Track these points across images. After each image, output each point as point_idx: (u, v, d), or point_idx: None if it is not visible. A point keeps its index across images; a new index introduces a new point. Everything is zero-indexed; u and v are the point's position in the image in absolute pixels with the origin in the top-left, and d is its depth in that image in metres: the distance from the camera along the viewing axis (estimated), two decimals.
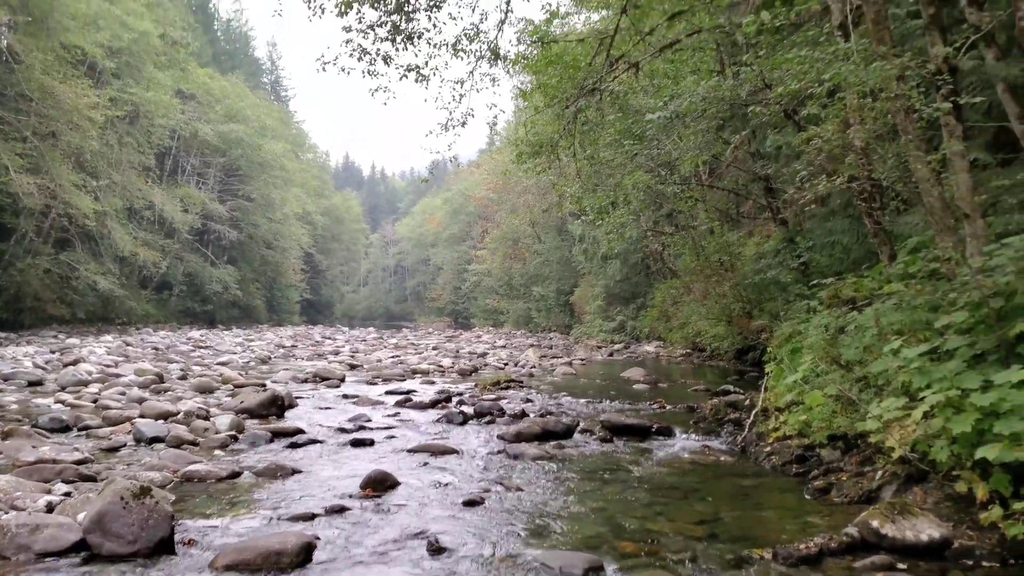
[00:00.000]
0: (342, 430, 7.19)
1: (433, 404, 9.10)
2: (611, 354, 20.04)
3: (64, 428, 6.90)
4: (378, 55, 9.75)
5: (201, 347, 20.97)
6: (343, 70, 9.89)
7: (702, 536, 3.81)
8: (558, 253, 34.26)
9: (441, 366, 14.97)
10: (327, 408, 8.94)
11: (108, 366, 12.90)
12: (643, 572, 3.31)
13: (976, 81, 7.41)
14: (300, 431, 6.97)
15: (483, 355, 19.07)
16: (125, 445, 6.28)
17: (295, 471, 5.33)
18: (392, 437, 6.89)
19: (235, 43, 61.56)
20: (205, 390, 10.16)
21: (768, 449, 5.81)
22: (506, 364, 16.16)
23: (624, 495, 4.74)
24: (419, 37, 9.83)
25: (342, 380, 12.15)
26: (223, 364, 15.02)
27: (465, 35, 10.38)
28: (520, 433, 6.71)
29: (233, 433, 6.75)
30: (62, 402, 8.53)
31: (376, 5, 9.44)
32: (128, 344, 20.04)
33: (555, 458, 5.95)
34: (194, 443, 6.36)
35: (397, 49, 9.82)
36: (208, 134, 37.98)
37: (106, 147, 28.62)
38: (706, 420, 7.66)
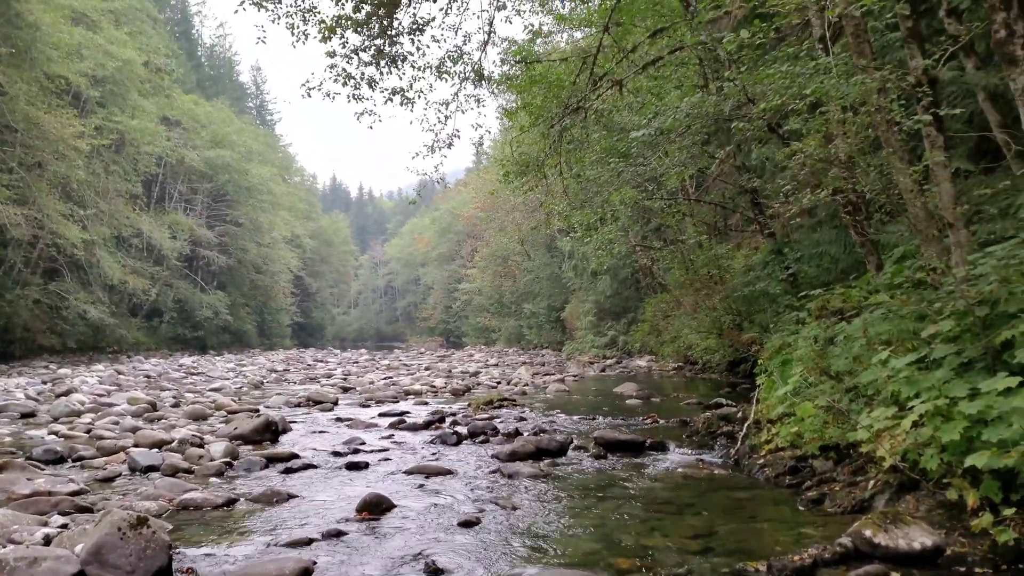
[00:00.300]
0: (336, 454, 7.17)
1: (427, 425, 9.09)
2: (603, 369, 20.06)
3: (59, 459, 6.85)
4: (363, 79, 9.83)
5: (193, 374, 20.85)
6: (328, 95, 9.97)
7: (697, 550, 3.83)
8: (548, 270, 34.36)
9: (434, 386, 14.94)
10: (321, 432, 8.90)
11: (101, 395, 12.81)
12: None
13: (957, 91, 7.54)
14: (295, 456, 6.95)
15: (475, 374, 19.05)
16: (120, 475, 6.24)
17: (291, 496, 5.32)
18: (387, 459, 6.88)
19: (219, 68, 61.75)
20: (198, 417, 10.11)
21: (761, 461, 5.84)
22: (499, 383, 16.15)
23: (619, 511, 4.76)
24: (403, 60, 9.94)
25: (335, 403, 12.11)
26: (216, 390, 14.94)
27: (449, 57, 10.49)
28: (514, 452, 6.71)
29: (228, 460, 6.72)
30: (56, 433, 8.46)
31: (359, 30, 9.53)
32: (120, 372, 19.89)
33: (550, 476, 5.95)
34: (189, 471, 6.33)
35: (381, 73, 9.91)
36: (195, 160, 37.98)
37: (92, 176, 28.56)
38: (699, 434, 7.69)
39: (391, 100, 10.25)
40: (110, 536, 3.51)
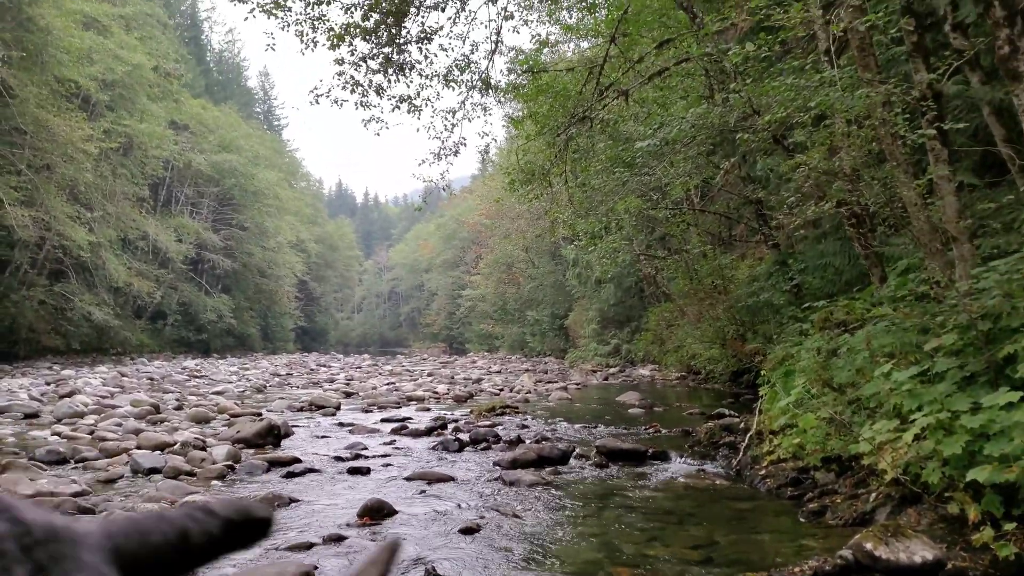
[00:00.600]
0: (338, 459, 7.18)
1: (429, 431, 9.10)
2: (606, 378, 20.04)
3: (61, 460, 6.88)
4: (370, 86, 9.91)
5: (196, 377, 20.89)
6: (336, 102, 10.04)
7: (698, 560, 3.83)
8: (552, 277, 34.36)
9: (436, 393, 14.95)
10: (323, 437, 8.92)
11: (104, 397, 12.84)
12: None
13: (961, 105, 7.55)
14: (297, 460, 6.97)
15: (478, 381, 19.05)
16: (123, 477, 6.27)
17: (292, 500, 5.33)
18: (388, 465, 6.89)
19: (228, 74, 62.11)
20: (201, 420, 10.13)
21: (763, 472, 5.84)
22: (501, 390, 16.15)
23: (620, 520, 4.76)
24: (411, 68, 10.02)
25: (338, 408, 12.12)
26: (219, 393, 14.97)
27: (456, 66, 10.57)
28: (516, 460, 6.71)
29: (230, 463, 6.74)
30: (59, 434, 8.49)
31: (368, 38, 9.62)
32: (123, 375, 19.95)
33: (551, 484, 5.96)
34: (191, 474, 6.35)
35: (389, 80, 9.99)
36: (202, 164, 38.17)
37: (100, 179, 28.75)
38: (701, 444, 7.67)
39: (398, 107, 10.33)
40: None
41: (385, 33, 9.63)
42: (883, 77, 6.34)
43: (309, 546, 4.14)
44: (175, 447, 7.50)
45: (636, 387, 16.10)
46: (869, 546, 3.49)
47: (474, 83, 10.79)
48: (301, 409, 12.04)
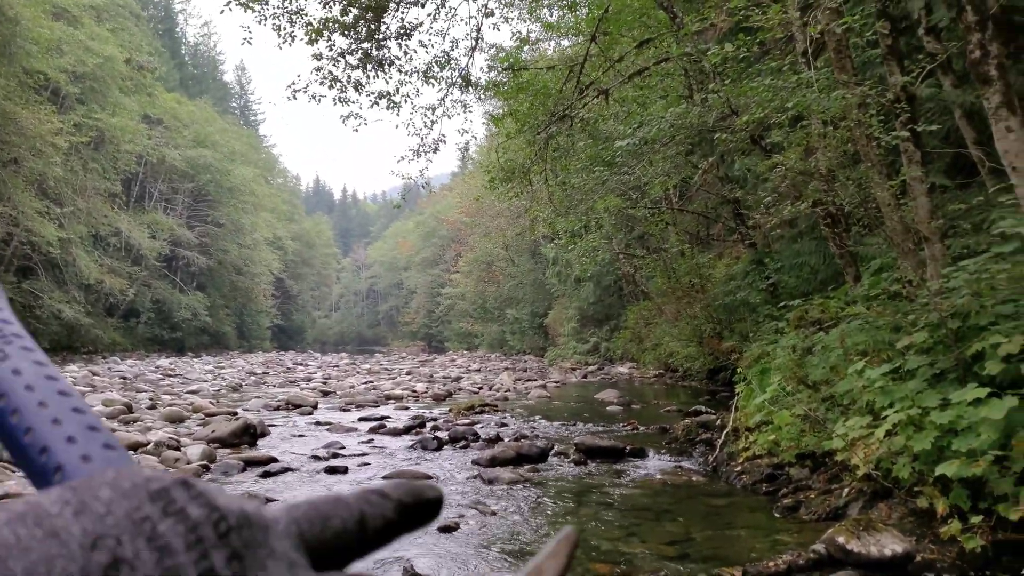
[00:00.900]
0: (316, 458, 7.13)
1: (407, 430, 9.07)
2: (585, 376, 20.12)
3: None
4: (349, 82, 9.85)
5: (170, 375, 20.62)
6: (314, 97, 9.96)
7: (674, 556, 3.87)
8: (532, 276, 34.42)
9: (415, 391, 14.90)
10: (300, 436, 8.85)
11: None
12: None
13: (934, 108, 7.69)
14: (273, 459, 6.91)
15: (457, 379, 19.02)
16: None
17: (268, 500, 5.28)
18: (366, 464, 6.86)
19: (203, 68, 61.35)
20: (175, 420, 10.00)
21: (739, 469, 5.90)
22: (480, 388, 16.15)
23: (598, 517, 4.79)
24: (390, 64, 9.96)
25: (315, 407, 12.03)
26: (193, 392, 14.79)
27: (436, 62, 10.54)
28: (494, 458, 6.72)
29: (205, 463, 6.67)
30: None
31: (347, 33, 9.55)
32: (95, 374, 19.61)
33: (530, 482, 5.97)
34: None
35: (368, 76, 9.93)
36: (176, 159, 37.66)
37: (70, 173, 28.23)
38: (678, 441, 7.74)
39: (377, 104, 10.28)
40: None
41: (364, 28, 9.57)
42: (859, 79, 6.43)
43: None
44: (148, 447, 7.39)
45: (615, 385, 16.19)
46: (841, 540, 3.55)
47: (454, 80, 10.78)
48: (278, 408, 11.94)
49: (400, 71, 10.06)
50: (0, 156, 23.99)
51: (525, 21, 17.28)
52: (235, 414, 10.33)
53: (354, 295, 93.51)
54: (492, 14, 10.85)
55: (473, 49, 10.96)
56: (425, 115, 10.72)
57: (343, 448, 7.71)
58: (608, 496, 5.44)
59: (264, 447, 7.87)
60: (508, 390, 15.31)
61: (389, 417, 10.43)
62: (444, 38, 10.98)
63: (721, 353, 13.36)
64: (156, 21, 52.32)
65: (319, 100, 10.19)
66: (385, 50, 9.82)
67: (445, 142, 11.09)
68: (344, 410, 11.83)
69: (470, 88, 11.15)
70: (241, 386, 17.44)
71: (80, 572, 0.18)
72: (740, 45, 7.41)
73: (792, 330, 7.18)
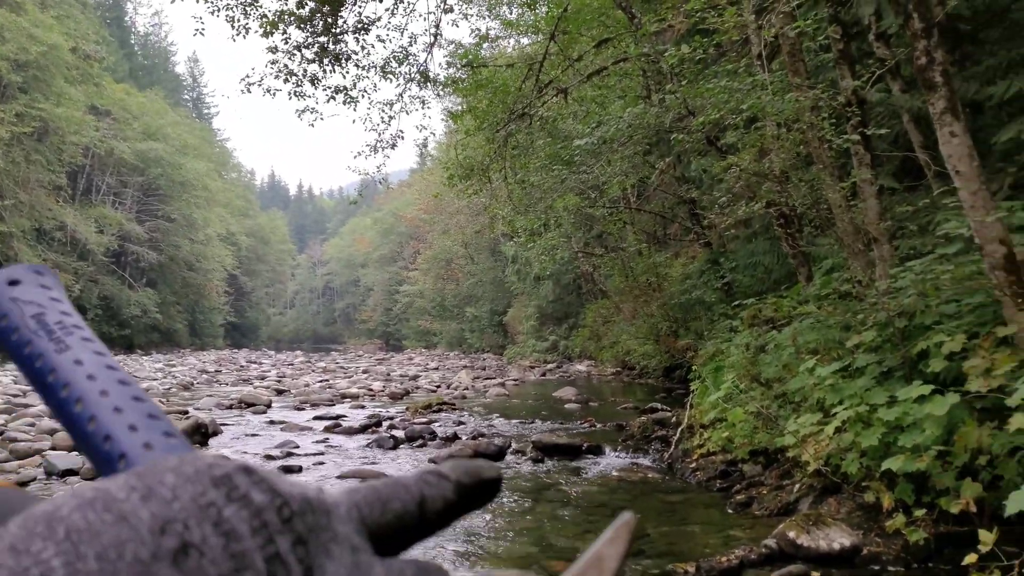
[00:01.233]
0: (269, 457, 7.00)
1: (363, 429, 8.96)
2: (544, 374, 20.19)
3: None
4: (305, 76, 9.68)
5: None
6: (269, 91, 9.77)
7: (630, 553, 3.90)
8: (491, 274, 34.39)
9: (371, 390, 14.75)
10: (254, 435, 8.68)
11: (15, 396, 12.15)
12: None
13: (884, 112, 7.90)
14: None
15: (415, 378, 18.89)
16: (35, 479, 5.96)
17: None
18: (321, 463, 6.76)
19: (154, 58, 59.69)
20: None
21: (693, 465, 5.98)
22: (438, 386, 16.06)
23: (554, 514, 4.79)
24: (347, 59, 9.82)
25: (269, 406, 11.81)
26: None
27: (394, 57, 10.43)
28: (451, 456, 6.68)
29: None
30: None
31: (303, 26, 9.38)
32: None
33: None
34: None
35: (324, 71, 9.77)
36: (125, 152, 36.55)
37: (12, 165, 27.17)
38: (634, 438, 7.81)
39: (334, 98, 10.11)
40: None
41: (321, 22, 9.41)
42: (812, 82, 6.57)
43: None
44: None
45: (573, 383, 16.27)
46: (792, 535, 3.62)
47: (412, 75, 10.68)
48: (230, 407, 11.69)
49: (357, 66, 9.93)
50: None
51: (484, 18, 17.25)
52: (186, 413, 10.07)
53: (310, 292, 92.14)
54: (451, 10, 10.79)
55: (432, 45, 10.88)
56: (382, 110, 10.62)
57: (297, 447, 7.58)
58: (565, 493, 5.45)
59: (216, 446, 7.69)
60: (466, 388, 15.26)
61: (345, 416, 10.29)
62: (402, 33, 10.90)
63: (677, 351, 13.54)
64: (104, 9, 50.72)
65: (274, 94, 10.00)
66: (342, 44, 9.68)
67: (403, 138, 11.03)
68: (299, 409, 11.64)
69: (429, 84, 11.07)
70: (193, 384, 17.03)
71: (150, 556, 0.19)
72: (697, 47, 7.50)
73: (746, 329, 7.30)
